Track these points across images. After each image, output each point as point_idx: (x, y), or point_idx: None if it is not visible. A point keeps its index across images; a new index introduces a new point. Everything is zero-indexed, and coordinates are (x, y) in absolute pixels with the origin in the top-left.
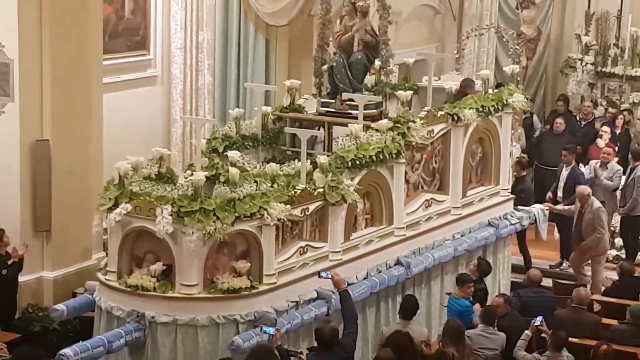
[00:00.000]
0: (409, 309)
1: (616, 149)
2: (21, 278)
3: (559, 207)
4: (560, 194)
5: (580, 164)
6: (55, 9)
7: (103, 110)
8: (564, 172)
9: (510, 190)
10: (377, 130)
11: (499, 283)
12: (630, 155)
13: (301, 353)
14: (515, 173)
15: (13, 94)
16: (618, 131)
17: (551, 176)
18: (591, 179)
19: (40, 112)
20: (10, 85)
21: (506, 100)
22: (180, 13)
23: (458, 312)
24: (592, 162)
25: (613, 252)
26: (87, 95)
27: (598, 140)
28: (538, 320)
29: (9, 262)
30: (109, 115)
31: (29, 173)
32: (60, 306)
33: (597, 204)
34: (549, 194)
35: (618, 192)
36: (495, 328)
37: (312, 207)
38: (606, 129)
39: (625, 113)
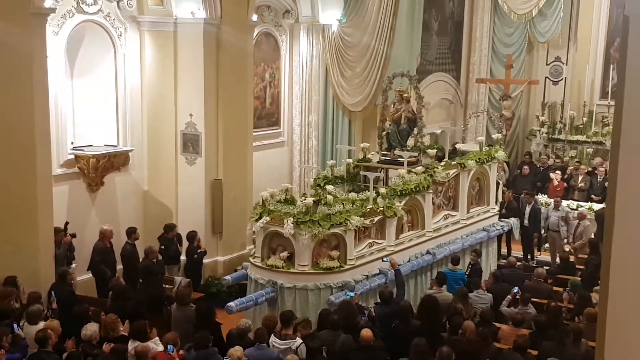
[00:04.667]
0: (441, 279)
1: (564, 185)
2: (205, 260)
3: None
4: (526, 222)
5: (540, 194)
6: (226, 101)
7: (253, 161)
8: (528, 208)
9: (499, 208)
10: (415, 172)
11: (489, 265)
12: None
13: (370, 307)
14: (506, 198)
15: (201, 152)
16: (566, 176)
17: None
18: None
19: (217, 163)
20: (200, 147)
21: (494, 155)
22: (298, 104)
23: (459, 278)
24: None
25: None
26: (244, 153)
27: (552, 180)
28: (515, 289)
29: (199, 251)
30: (257, 165)
31: (210, 198)
32: (228, 277)
33: (587, 222)
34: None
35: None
36: (485, 291)
37: (376, 218)
38: (558, 172)
39: (575, 164)
